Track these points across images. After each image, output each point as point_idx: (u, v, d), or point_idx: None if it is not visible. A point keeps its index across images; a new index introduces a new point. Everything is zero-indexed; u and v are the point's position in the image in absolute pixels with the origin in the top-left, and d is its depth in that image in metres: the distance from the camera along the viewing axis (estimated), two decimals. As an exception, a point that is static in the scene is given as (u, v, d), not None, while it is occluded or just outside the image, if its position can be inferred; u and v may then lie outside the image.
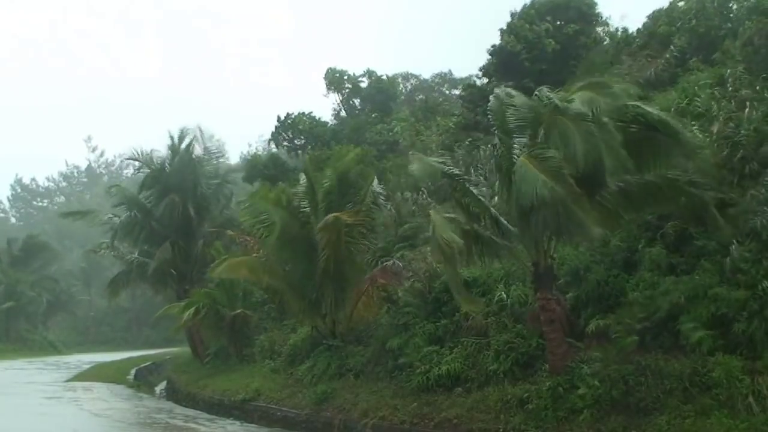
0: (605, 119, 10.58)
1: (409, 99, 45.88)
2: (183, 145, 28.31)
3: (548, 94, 11.32)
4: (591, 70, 12.31)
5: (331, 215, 16.80)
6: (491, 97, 12.62)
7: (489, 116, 12.85)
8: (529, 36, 24.45)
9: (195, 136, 28.52)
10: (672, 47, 19.71)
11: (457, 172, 12.99)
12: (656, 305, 11.18)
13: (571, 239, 12.16)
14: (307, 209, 18.34)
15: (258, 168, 33.19)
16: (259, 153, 35.77)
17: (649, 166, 11.19)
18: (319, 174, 18.57)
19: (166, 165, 28.10)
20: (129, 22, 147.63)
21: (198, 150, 28.74)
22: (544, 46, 24.21)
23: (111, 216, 28.98)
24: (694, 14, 20.21)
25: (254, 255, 20.15)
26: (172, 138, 28.21)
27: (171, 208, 26.50)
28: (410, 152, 14.24)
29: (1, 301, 47.78)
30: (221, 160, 31.06)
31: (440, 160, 13.30)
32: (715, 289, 10.70)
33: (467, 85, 29.18)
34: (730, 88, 13.99)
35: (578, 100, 10.77)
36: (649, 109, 11.16)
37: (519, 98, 11.88)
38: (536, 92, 11.83)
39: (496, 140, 12.61)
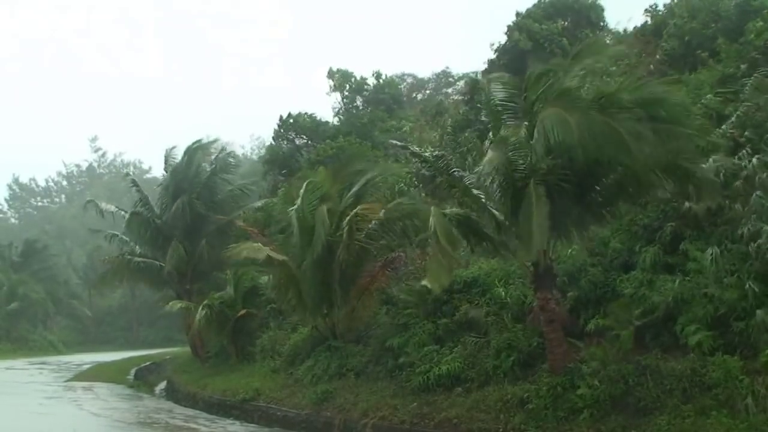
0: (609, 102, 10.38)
1: (409, 99, 45.85)
2: (196, 146, 29.01)
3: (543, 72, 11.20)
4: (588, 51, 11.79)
5: (353, 212, 16.84)
6: (487, 91, 12.48)
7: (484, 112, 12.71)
8: (542, 33, 24.45)
9: (207, 143, 29.42)
10: (663, 45, 19.69)
11: (455, 170, 12.80)
12: (651, 302, 11.20)
13: (565, 236, 12.08)
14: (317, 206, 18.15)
15: (279, 159, 33.21)
16: (275, 145, 35.76)
17: (647, 153, 10.70)
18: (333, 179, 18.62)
19: (178, 169, 28.49)
20: (129, 22, 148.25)
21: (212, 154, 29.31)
22: (559, 44, 24.20)
23: (119, 209, 29.17)
24: (685, 14, 20.15)
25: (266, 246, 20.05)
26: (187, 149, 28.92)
27: (180, 209, 26.78)
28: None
29: (4, 303, 47.91)
30: (232, 160, 31.23)
31: (439, 154, 13.17)
32: (709, 289, 10.72)
33: (470, 80, 29.12)
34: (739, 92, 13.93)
35: (574, 82, 10.72)
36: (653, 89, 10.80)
37: (511, 82, 11.77)
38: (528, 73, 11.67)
39: (490, 134, 12.56)
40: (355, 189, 17.91)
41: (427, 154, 13.46)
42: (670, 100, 10.55)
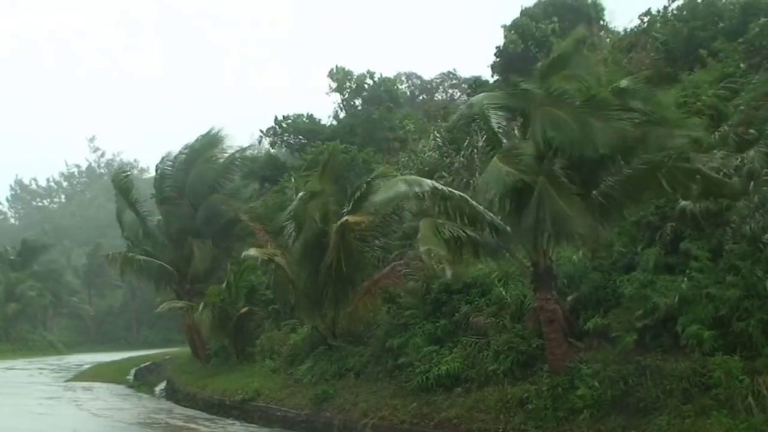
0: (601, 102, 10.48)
1: (411, 99, 45.86)
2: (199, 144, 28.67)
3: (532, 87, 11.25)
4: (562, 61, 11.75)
5: (341, 221, 16.75)
6: (475, 99, 12.49)
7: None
8: (536, 35, 24.57)
9: (215, 137, 28.92)
10: (658, 45, 19.70)
11: (445, 188, 12.37)
12: (653, 303, 11.18)
13: (567, 238, 12.02)
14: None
15: (255, 169, 33.10)
16: (257, 154, 35.36)
17: (639, 154, 10.91)
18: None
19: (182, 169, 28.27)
20: (129, 22, 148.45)
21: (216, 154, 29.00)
22: (552, 45, 24.36)
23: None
24: (684, 15, 20.17)
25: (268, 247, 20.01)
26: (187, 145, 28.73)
27: (187, 207, 26.67)
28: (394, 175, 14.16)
29: (4, 303, 47.86)
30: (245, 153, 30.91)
31: (429, 182, 12.86)
32: (710, 288, 10.69)
33: (473, 83, 29.14)
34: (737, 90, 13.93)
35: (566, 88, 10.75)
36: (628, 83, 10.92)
37: (502, 95, 11.82)
38: (522, 85, 11.68)
39: (482, 142, 12.55)
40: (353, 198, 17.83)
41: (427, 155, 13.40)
42: (654, 98, 10.61)
